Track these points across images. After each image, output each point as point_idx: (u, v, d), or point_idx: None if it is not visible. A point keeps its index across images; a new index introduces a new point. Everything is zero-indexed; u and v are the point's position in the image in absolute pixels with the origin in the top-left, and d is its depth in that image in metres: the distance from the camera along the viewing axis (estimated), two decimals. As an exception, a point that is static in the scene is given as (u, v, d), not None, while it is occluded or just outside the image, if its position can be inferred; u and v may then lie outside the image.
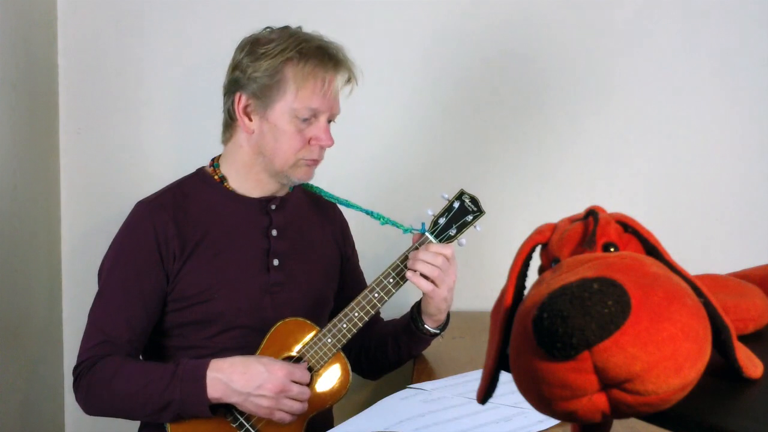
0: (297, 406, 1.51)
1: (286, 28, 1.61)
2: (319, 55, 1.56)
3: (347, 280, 1.79)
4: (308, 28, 1.63)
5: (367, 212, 1.67)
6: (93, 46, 2.14)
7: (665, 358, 0.57)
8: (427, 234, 1.61)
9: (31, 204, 2.00)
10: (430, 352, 1.81)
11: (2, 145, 1.84)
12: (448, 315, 1.70)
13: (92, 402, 1.54)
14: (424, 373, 1.71)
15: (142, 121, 2.17)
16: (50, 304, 2.13)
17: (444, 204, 1.62)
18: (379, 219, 1.66)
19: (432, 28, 2.18)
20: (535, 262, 0.71)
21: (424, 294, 1.63)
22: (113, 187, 2.15)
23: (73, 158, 2.15)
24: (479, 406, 0.72)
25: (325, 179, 1.72)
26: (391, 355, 1.74)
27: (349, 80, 1.61)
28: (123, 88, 2.15)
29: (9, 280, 1.88)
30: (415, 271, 1.58)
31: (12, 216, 1.88)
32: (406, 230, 1.64)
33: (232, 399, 1.49)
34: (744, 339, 0.66)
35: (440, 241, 1.61)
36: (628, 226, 0.69)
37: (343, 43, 1.63)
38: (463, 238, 1.63)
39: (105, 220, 2.08)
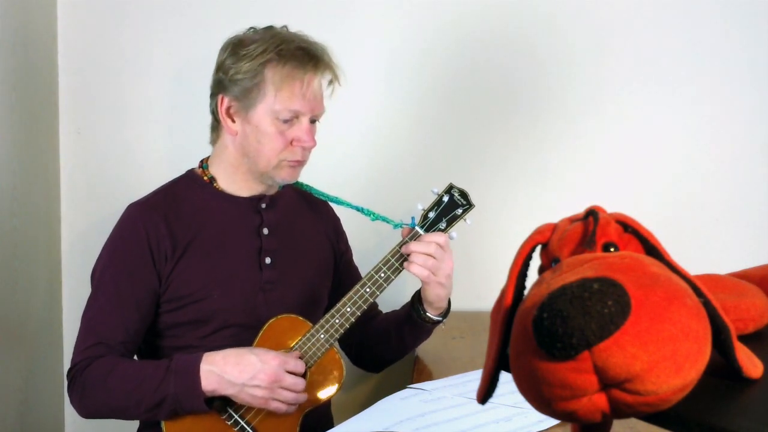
0: (291, 396, 1.51)
1: (270, 28, 1.60)
2: (299, 56, 1.55)
3: (342, 277, 1.78)
4: (302, 27, 1.62)
5: (358, 209, 1.67)
6: (93, 47, 2.14)
7: (665, 358, 0.57)
8: (417, 228, 1.60)
9: (31, 204, 2.00)
10: (430, 352, 1.81)
11: (2, 145, 1.84)
12: (449, 302, 1.69)
13: (87, 403, 1.53)
14: (424, 373, 1.71)
15: (142, 121, 2.17)
16: (50, 304, 2.13)
17: (434, 198, 1.62)
18: (370, 215, 1.66)
19: (426, 23, 2.17)
20: (535, 262, 0.71)
21: (422, 282, 1.62)
22: (113, 187, 2.14)
23: (73, 158, 2.15)
24: (479, 406, 0.72)
25: (315, 177, 1.72)
26: (394, 345, 1.73)
27: (331, 81, 1.61)
28: (123, 88, 2.15)
29: (9, 280, 1.88)
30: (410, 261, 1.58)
31: (12, 216, 1.88)
32: (396, 225, 1.64)
33: (227, 391, 1.49)
34: (744, 339, 0.66)
35: None
36: (628, 226, 0.69)
37: (336, 40, 1.62)
38: (454, 231, 1.62)
39: (105, 220, 2.08)
